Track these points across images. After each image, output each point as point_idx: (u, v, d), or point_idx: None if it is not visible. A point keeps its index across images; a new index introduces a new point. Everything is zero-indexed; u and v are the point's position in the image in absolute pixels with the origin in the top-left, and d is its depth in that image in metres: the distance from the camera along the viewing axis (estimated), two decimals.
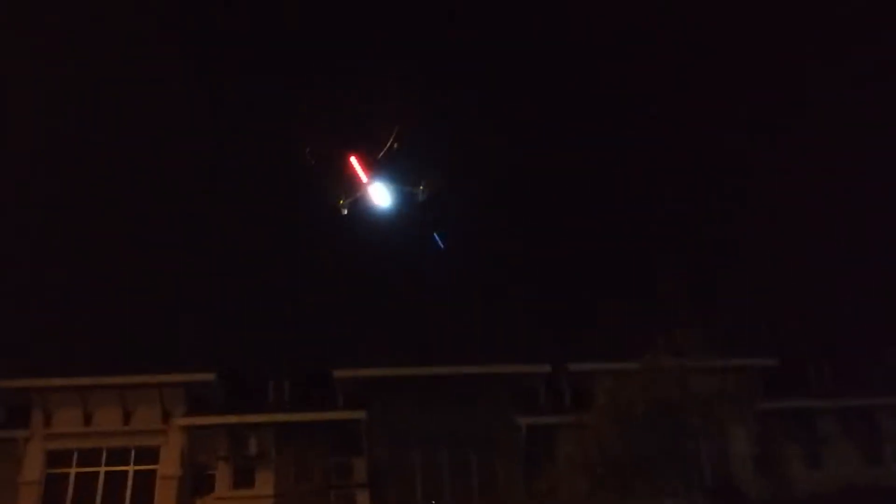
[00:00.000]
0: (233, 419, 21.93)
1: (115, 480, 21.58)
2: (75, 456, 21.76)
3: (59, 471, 21.59)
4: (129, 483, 21.54)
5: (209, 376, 22.49)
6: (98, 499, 21.34)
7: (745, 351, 22.03)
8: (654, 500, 15.01)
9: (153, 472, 21.65)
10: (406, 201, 15.38)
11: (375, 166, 14.62)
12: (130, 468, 21.71)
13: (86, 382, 22.10)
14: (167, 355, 22.85)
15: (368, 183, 14.54)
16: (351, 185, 14.68)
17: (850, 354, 24.78)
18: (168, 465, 21.66)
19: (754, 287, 27.79)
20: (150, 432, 21.97)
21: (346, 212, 15.06)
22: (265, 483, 21.59)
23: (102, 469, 21.68)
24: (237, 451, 21.61)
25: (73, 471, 21.62)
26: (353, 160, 14.33)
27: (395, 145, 13.55)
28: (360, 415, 22.10)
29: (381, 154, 14.38)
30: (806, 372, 24.50)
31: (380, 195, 14.75)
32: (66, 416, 22.07)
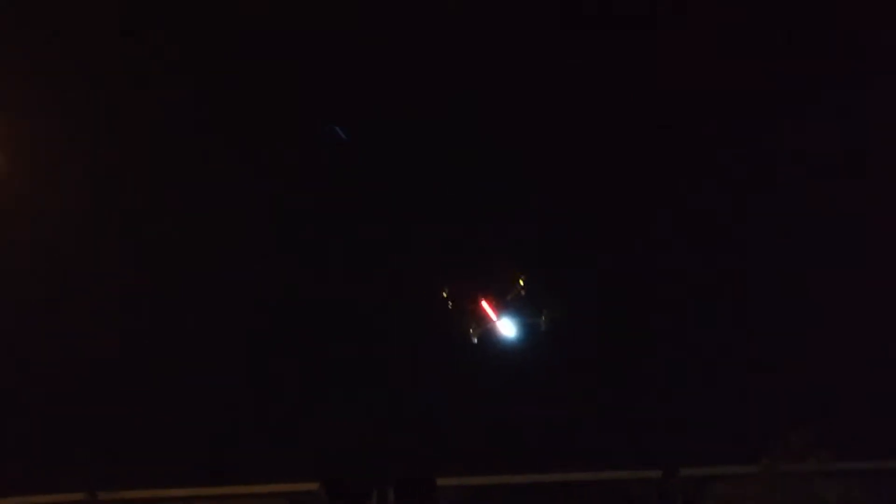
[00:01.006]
0: None
1: None
2: None
3: None
4: None
5: (313, 486, 22.33)
6: None
7: (876, 451, 20.48)
8: None
9: None
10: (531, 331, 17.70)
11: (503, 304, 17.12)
12: None
13: (186, 493, 22.23)
14: (270, 463, 22.85)
15: (497, 319, 17.14)
16: (481, 319, 17.24)
17: None
18: None
19: (885, 377, 25.95)
20: None
21: (476, 340, 18.00)
22: None
23: None
24: None
25: None
26: (484, 302, 16.94)
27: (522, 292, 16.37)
28: None
29: (510, 297, 16.98)
30: None
31: (507, 328, 17.33)
32: None
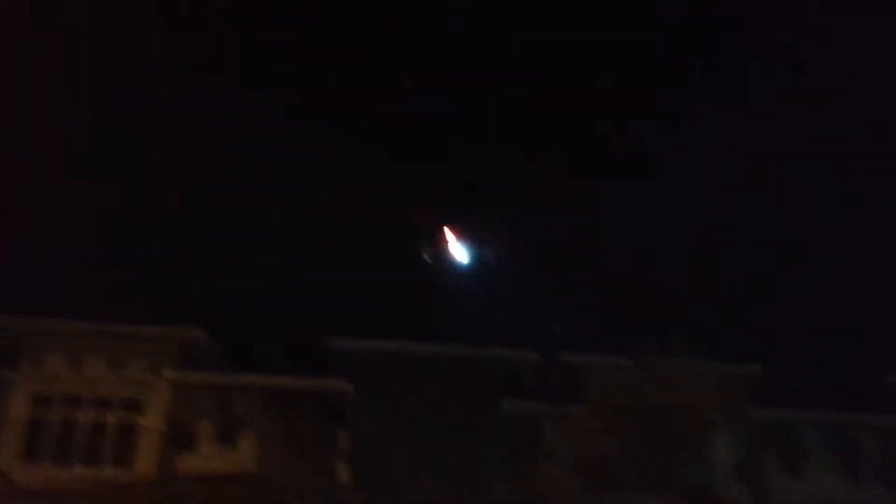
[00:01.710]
0: (221, 379, 21.92)
1: (98, 427, 21.59)
2: (60, 399, 21.72)
3: (43, 413, 21.59)
4: (111, 432, 21.57)
5: (202, 334, 22.47)
6: (79, 444, 21.34)
7: (736, 357, 22.10)
8: (632, 497, 15.05)
9: (136, 423, 21.65)
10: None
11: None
12: (114, 417, 21.73)
13: (77, 327, 22.06)
14: (163, 310, 22.83)
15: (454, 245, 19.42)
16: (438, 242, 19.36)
17: (841, 371, 24.85)
18: (152, 418, 21.64)
19: (752, 295, 27.80)
20: (137, 383, 21.94)
21: (429, 260, 20.04)
22: (248, 445, 21.59)
23: (86, 415, 21.69)
24: (223, 411, 21.62)
25: (57, 414, 21.62)
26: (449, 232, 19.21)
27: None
28: (348, 387, 22.11)
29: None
30: (795, 384, 24.54)
31: (460, 254, 19.87)
32: (55, 360, 22.04)
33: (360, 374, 22.46)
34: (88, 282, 23.56)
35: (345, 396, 22.14)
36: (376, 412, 22.21)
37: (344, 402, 22.23)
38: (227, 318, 23.75)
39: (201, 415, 21.72)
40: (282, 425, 21.74)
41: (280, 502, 16.72)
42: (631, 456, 14.77)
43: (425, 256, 18.67)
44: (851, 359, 24.70)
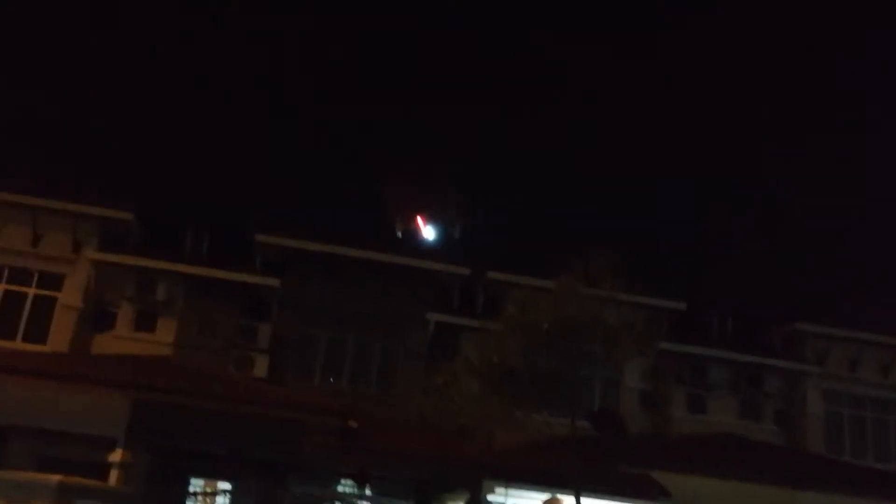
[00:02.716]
0: (144, 262, 21.62)
1: (15, 300, 21.25)
2: None
3: None
4: (28, 305, 21.25)
5: (127, 215, 22.07)
6: None
7: (656, 291, 22.69)
8: (539, 413, 15.49)
9: (54, 299, 21.35)
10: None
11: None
12: (32, 291, 21.38)
13: (0, 197, 21.45)
14: (89, 188, 22.29)
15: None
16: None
17: (754, 314, 25.76)
18: (71, 296, 21.36)
19: (676, 230, 28.43)
20: (58, 260, 21.55)
21: (399, 235, 21.96)
22: (167, 331, 21.53)
23: (2, 286, 21.30)
24: (144, 294, 21.40)
25: None
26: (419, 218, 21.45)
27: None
28: (273, 282, 22.08)
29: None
30: (709, 322, 25.39)
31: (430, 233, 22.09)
32: None
33: (286, 272, 22.44)
34: (15, 153, 22.85)
35: (270, 292, 22.12)
36: (300, 309, 22.30)
37: (268, 297, 22.23)
38: (157, 203, 23.40)
39: (121, 297, 21.50)
40: (203, 314, 21.70)
41: (193, 389, 16.79)
42: (542, 373, 15.12)
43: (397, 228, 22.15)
44: (764, 304, 25.62)
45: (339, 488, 19.93)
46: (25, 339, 20.92)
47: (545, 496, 17.87)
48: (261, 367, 21.22)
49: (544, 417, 16.28)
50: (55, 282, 21.48)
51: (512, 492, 18.39)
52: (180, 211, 24.01)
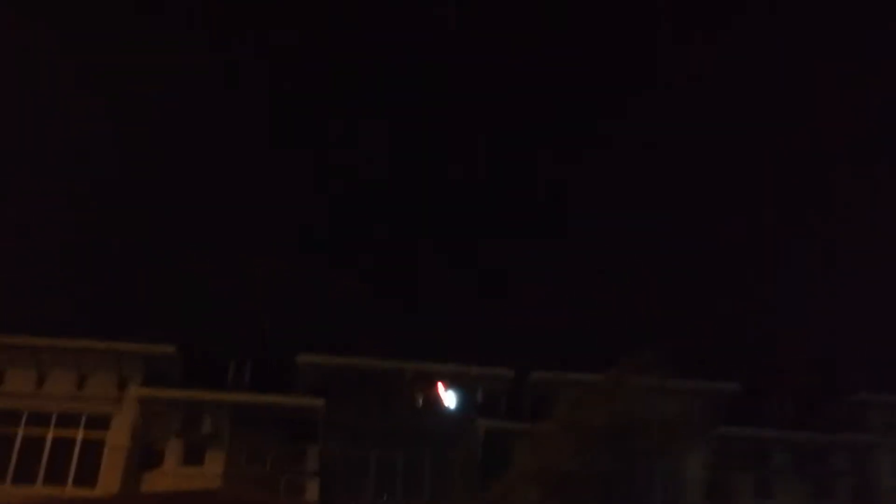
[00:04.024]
0: (189, 395, 21.62)
1: (63, 445, 21.21)
2: (25, 416, 21.35)
3: (7, 430, 21.18)
4: (77, 449, 21.19)
5: (169, 349, 22.18)
6: (44, 462, 20.96)
7: (708, 375, 22.16)
8: None
9: (102, 440, 21.29)
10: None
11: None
12: (80, 434, 21.35)
13: (42, 343, 21.73)
14: (129, 324, 22.53)
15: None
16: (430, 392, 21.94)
17: (812, 390, 24.97)
18: (118, 435, 21.31)
19: (724, 312, 27.97)
20: (104, 400, 21.62)
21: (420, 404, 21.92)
22: (215, 463, 21.29)
23: (51, 432, 21.30)
24: (190, 427, 21.30)
25: (21, 431, 21.22)
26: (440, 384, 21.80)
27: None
28: (318, 403, 21.87)
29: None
30: (766, 402, 24.61)
31: (450, 400, 21.84)
32: (19, 376, 21.68)
33: (331, 391, 22.25)
34: (55, 297, 23.26)
35: (315, 413, 21.89)
36: (347, 429, 22.01)
37: (314, 418, 21.99)
38: (196, 335, 23.54)
39: (168, 432, 21.40)
40: (250, 442, 21.48)
41: None
42: (601, 473, 14.65)
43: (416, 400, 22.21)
44: (819, 379, 24.87)
45: None
46: (76, 483, 20.76)
47: None
48: (312, 492, 20.86)
49: None
50: (103, 423, 21.50)
51: None
52: (221, 340, 24.09)
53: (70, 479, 20.86)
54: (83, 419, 21.51)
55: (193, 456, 21.33)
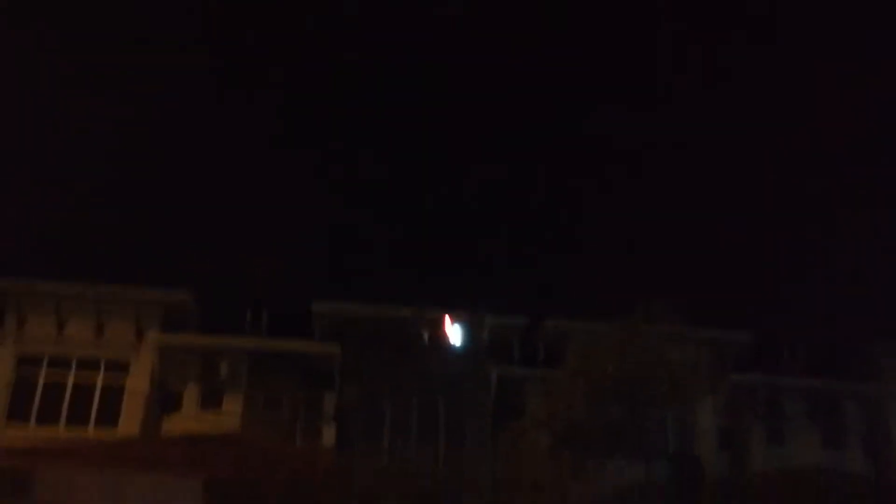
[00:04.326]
0: (206, 342, 21.93)
1: (84, 390, 21.60)
2: (46, 361, 21.74)
3: (28, 374, 21.61)
4: (97, 394, 21.60)
5: (186, 297, 22.44)
6: (65, 405, 21.40)
7: (720, 323, 22.20)
8: (611, 461, 15.13)
9: (122, 386, 21.69)
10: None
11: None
12: (99, 379, 21.74)
13: (62, 290, 22.01)
14: (147, 272, 22.79)
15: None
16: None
17: (825, 337, 24.98)
18: (137, 381, 21.69)
19: (736, 260, 27.92)
20: (122, 346, 21.95)
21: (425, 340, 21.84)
22: (233, 408, 21.66)
23: (72, 377, 21.70)
24: (208, 373, 21.64)
25: (42, 375, 21.64)
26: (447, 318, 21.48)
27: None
28: (334, 350, 22.13)
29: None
30: (779, 350, 24.68)
31: (455, 336, 21.54)
32: (40, 321, 22.00)
33: (346, 339, 22.48)
34: (74, 244, 23.51)
35: (331, 360, 22.16)
36: (362, 376, 22.26)
37: (330, 365, 22.26)
38: (212, 282, 23.78)
39: (186, 377, 21.76)
40: (267, 388, 21.81)
41: (264, 464, 16.79)
42: (611, 421, 14.80)
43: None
44: (835, 326, 24.84)
45: None
46: (97, 425, 21.21)
47: None
48: (328, 437, 21.18)
49: (618, 465, 15.86)
50: (122, 368, 21.84)
51: None
52: (237, 288, 24.33)
53: (92, 422, 21.32)
54: (103, 364, 21.87)
55: (211, 401, 21.69)
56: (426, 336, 21.72)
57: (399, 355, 22.26)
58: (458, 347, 21.37)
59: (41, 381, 21.55)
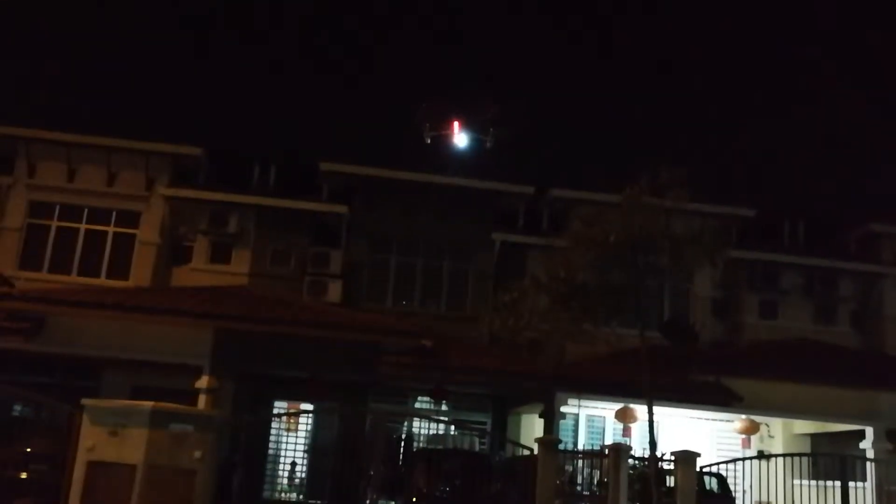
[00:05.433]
0: (216, 196, 22.18)
1: (95, 239, 22.07)
2: (57, 209, 22.10)
3: (40, 222, 22.00)
4: (108, 243, 22.06)
5: (196, 150, 22.56)
6: (77, 254, 21.89)
7: (723, 198, 22.39)
8: (608, 325, 15.56)
9: (133, 236, 22.11)
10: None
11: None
12: (111, 229, 22.16)
13: (73, 139, 22.12)
14: (159, 125, 22.83)
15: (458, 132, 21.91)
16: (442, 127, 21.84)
17: (825, 217, 25.24)
18: (148, 232, 22.10)
19: (745, 140, 27.85)
20: (133, 198, 22.25)
21: (428, 141, 21.91)
22: (241, 261, 22.18)
23: (83, 226, 22.10)
24: (217, 227, 22.01)
25: (54, 223, 22.04)
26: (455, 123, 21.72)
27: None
28: (342, 209, 22.44)
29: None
30: (779, 227, 25.00)
31: (461, 140, 22.27)
32: (51, 170, 22.25)
33: (354, 198, 22.75)
34: (87, 95, 23.45)
35: (339, 219, 22.50)
36: (369, 235, 22.68)
37: (337, 224, 22.61)
38: (225, 137, 23.81)
39: (195, 230, 22.15)
40: (275, 244, 22.24)
41: (271, 316, 17.33)
42: (609, 287, 15.14)
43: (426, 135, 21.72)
44: (833, 209, 25.07)
45: (417, 405, 20.56)
46: (109, 275, 21.77)
47: (618, 406, 18.18)
48: (334, 293, 21.70)
49: (614, 329, 16.33)
50: (132, 219, 22.21)
51: (584, 402, 18.76)
52: (248, 144, 24.38)
53: (103, 272, 21.87)
54: (113, 215, 22.23)
55: (220, 254, 22.18)
56: (428, 133, 21.83)
57: (405, 218, 22.59)
58: (462, 151, 21.61)
59: (53, 230, 21.97)
